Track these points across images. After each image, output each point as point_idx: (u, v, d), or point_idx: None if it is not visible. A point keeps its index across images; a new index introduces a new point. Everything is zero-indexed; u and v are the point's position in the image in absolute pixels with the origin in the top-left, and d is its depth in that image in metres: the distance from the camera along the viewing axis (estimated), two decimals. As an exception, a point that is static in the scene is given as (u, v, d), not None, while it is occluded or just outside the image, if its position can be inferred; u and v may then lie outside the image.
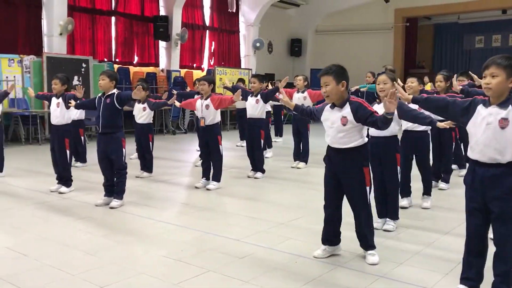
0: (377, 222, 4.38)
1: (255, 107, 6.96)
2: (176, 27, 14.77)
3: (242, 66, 17.51)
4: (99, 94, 5.41)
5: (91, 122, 10.59)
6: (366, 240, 3.70)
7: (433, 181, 5.83)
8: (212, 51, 16.80)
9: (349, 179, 3.60)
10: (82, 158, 7.99)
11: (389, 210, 4.50)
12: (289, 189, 6.58)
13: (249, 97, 7.03)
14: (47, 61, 11.11)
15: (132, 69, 14.27)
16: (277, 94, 6.96)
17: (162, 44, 15.01)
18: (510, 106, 2.75)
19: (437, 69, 16.80)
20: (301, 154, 8.08)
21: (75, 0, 12.58)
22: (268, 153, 9.10)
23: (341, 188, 3.65)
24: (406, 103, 3.95)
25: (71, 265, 3.59)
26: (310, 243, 4.03)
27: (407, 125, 5.14)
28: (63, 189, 5.99)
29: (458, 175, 6.82)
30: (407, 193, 5.29)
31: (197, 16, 16.14)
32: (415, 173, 5.32)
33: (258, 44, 17.44)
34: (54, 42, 11.74)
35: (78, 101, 5.83)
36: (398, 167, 4.50)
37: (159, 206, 5.47)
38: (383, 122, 3.35)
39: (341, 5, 18.97)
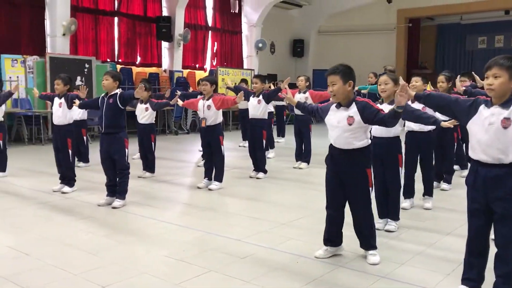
0: (378, 222, 4.39)
1: (257, 108, 6.98)
2: (179, 27, 14.79)
3: (245, 66, 17.52)
4: (102, 94, 5.43)
5: (93, 122, 10.63)
6: (367, 240, 3.70)
7: (435, 182, 5.83)
8: (214, 51, 16.81)
9: (352, 180, 3.60)
10: (84, 158, 8.02)
11: (391, 211, 4.50)
12: (290, 189, 6.58)
13: (251, 98, 7.05)
14: (50, 62, 11.14)
15: (135, 69, 14.30)
16: (280, 93, 6.97)
17: (164, 44, 15.04)
18: None
19: (440, 69, 16.73)
20: (303, 154, 8.09)
21: (78, 1, 12.62)
22: (270, 154, 9.11)
23: (343, 188, 3.65)
24: (410, 101, 3.95)
25: (73, 264, 3.60)
26: (312, 243, 4.04)
27: (412, 126, 5.14)
28: (66, 189, 6.01)
29: (460, 176, 6.80)
30: (410, 194, 5.28)
31: (200, 17, 16.16)
32: (417, 174, 5.31)
33: (260, 45, 17.44)
34: (57, 43, 11.78)
35: (81, 101, 5.85)
36: (400, 168, 4.50)
37: (161, 206, 5.48)
38: (393, 116, 3.35)
39: (343, 6, 18.96)
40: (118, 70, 13.12)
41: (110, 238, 4.28)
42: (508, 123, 2.73)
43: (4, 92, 7.18)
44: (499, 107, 2.78)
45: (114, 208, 5.25)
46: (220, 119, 6.30)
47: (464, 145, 7.10)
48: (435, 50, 20.49)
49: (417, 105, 4.63)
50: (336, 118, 3.61)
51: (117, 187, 5.37)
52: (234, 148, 10.45)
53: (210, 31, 16.57)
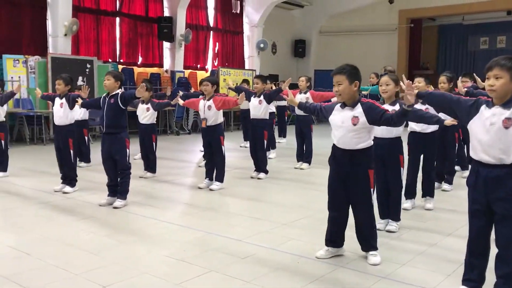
0: (379, 223, 4.39)
1: (258, 108, 6.98)
2: (180, 28, 14.80)
3: (246, 67, 17.52)
4: (104, 94, 5.44)
5: (95, 122, 10.65)
6: (368, 241, 3.70)
7: (436, 182, 5.82)
8: (216, 52, 16.82)
9: (354, 181, 3.59)
10: (86, 158, 8.03)
11: (392, 211, 4.50)
12: (292, 189, 6.58)
13: (252, 98, 7.05)
14: (51, 62, 11.16)
15: (136, 69, 14.32)
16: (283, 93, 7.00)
17: (166, 44, 15.05)
18: None
19: (442, 70, 16.75)
20: (304, 155, 8.09)
21: (80, 1, 12.64)
22: (271, 154, 9.12)
23: (345, 189, 3.64)
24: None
25: (74, 264, 3.60)
26: (313, 243, 4.04)
27: (414, 127, 5.14)
28: (67, 189, 6.01)
29: (460, 177, 6.80)
30: (412, 195, 5.29)
31: (201, 17, 16.18)
32: (418, 174, 5.32)
33: (262, 45, 17.45)
34: (59, 43, 11.80)
35: (83, 100, 5.86)
36: (402, 169, 4.50)
37: (162, 206, 5.48)
38: (401, 115, 3.36)
39: (345, 6, 18.96)
40: (120, 70, 13.14)
41: (111, 238, 4.28)
42: (509, 123, 2.73)
43: (6, 92, 7.21)
44: (500, 107, 2.78)
45: (115, 208, 5.25)
46: (220, 119, 6.30)
47: (465, 146, 7.09)
48: (436, 51, 20.46)
49: (420, 106, 4.64)
50: (340, 118, 3.60)
51: (118, 187, 5.38)
52: (235, 149, 10.45)
53: (211, 31, 16.59)
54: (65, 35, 11.80)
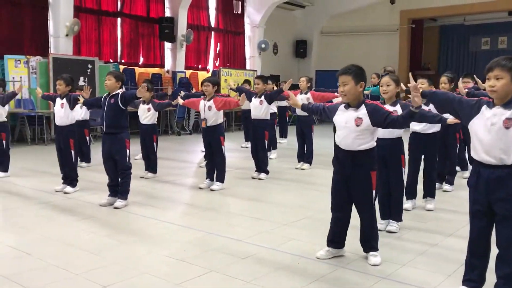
0: (380, 223, 4.38)
1: (259, 108, 6.98)
2: (182, 28, 14.81)
3: (247, 67, 17.52)
4: (105, 94, 5.44)
5: (96, 122, 10.65)
6: (369, 242, 3.70)
7: (437, 183, 5.82)
8: (217, 52, 16.83)
9: (357, 182, 3.59)
10: (86, 158, 8.04)
11: (393, 212, 4.50)
12: (292, 190, 6.58)
13: (253, 99, 7.05)
14: (53, 62, 11.17)
15: (138, 70, 14.34)
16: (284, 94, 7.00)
17: (167, 45, 15.06)
18: None
19: (443, 70, 16.71)
20: (305, 155, 8.09)
21: (81, 1, 12.65)
22: (272, 154, 9.12)
23: (348, 190, 3.64)
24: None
25: (74, 264, 3.61)
26: (313, 244, 4.03)
27: (416, 127, 5.14)
28: (68, 189, 6.02)
29: (461, 177, 6.79)
30: (413, 195, 5.29)
31: (203, 17, 16.19)
32: (419, 174, 5.31)
33: (263, 46, 17.45)
34: (60, 43, 11.82)
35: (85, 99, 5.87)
36: (403, 169, 4.50)
37: (163, 207, 5.48)
38: (408, 117, 3.36)
39: (346, 7, 18.95)
40: (121, 70, 13.15)
41: (112, 238, 4.28)
42: (510, 124, 2.73)
43: (8, 93, 7.22)
44: (501, 107, 2.78)
45: (116, 208, 5.25)
46: (221, 119, 6.31)
47: (466, 147, 7.09)
48: (438, 51, 20.45)
49: (423, 107, 4.64)
50: (344, 118, 3.59)
51: (119, 187, 5.38)
52: (236, 149, 10.46)
53: (212, 32, 16.59)
54: (67, 35, 11.82)
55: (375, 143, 3.63)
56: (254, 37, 17.62)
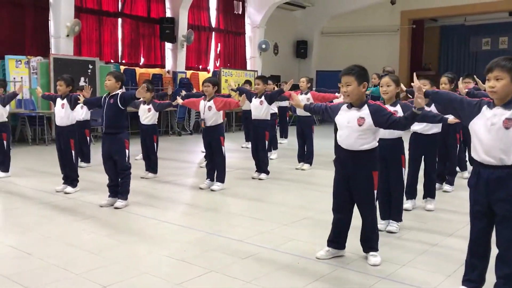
0: (380, 223, 4.38)
1: (259, 109, 6.99)
2: (182, 28, 14.82)
3: (248, 67, 17.53)
4: (105, 95, 5.45)
5: (97, 123, 10.66)
6: (370, 242, 3.70)
7: (437, 183, 5.82)
8: (218, 52, 16.84)
9: (358, 183, 3.59)
10: (86, 158, 8.05)
11: (393, 212, 4.50)
12: (293, 190, 6.58)
13: (253, 99, 7.06)
14: (54, 62, 11.18)
15: (138, 70, 14.35)
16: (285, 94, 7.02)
17: (168, 45, 15.07)
18: None
19: (444, 71, 16.69)
20: (305, 155, 8.09)
21: (82, 2, 12.67)
22: (273, 155, 9.12)
23: (350, 190, 3.64)
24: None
25: (74, 264, 3.61)
26: (313, 244, 4.04)
27: (417, 127, 5.14)
28: (69, 189, 6.03)
29: (460, 177, 6.79)
30: (412, 195, 5.30)
31: (203, 18, 16.19)
32: (419, 175, 5.32)
33: (264, 46, 17.46)
34: (61, 44, 11.83)
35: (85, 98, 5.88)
36: (403, 169, 4.50)
37: (163, 207, 5.49)
38: (411, 118, 3.36)
39: (347, 7, 18.96)
40: (122, 71, 13.16)
41: (112, 238, 4.29)
42: (510, 124, 2.73)
43: (8, 93, 7.23)
44: (501, 107, 2.78)
45: (116, 208, 5.26)
46: (220, 120, 6.31)
47: (466, 148, 7.10)
48: (438, 52, 20.45)
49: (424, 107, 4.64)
50: (346, 118, 3.60)
51: (119, 187, 5.39)
52: (236, 149, 10.47)
53: (213, 32, 16.60)
54: (67, 36, 11.83)
55: (377, 143, 3.63)
56: (255, 37, 17.63)
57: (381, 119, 3.47)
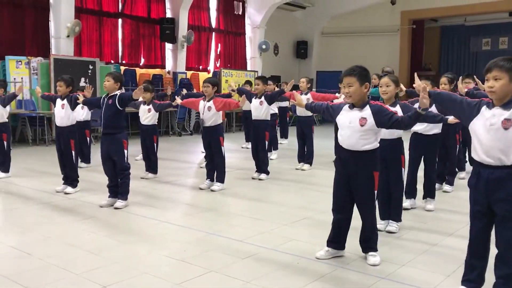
0: (380, 223, 4.39)
1: (259, 109, 7.00)
2: (182, 29, 14.83)
3: (248, 68, 17.54)
4: (104, 95, 5.46)
5: (97, 123, 10.66)
6: (369, 242, 3.71)
7: (437, 183, 5.82)
8: (218, 53, 16.84)
9: (359, 183, 3.59)
10: (86, 159, 8.06)
11: (393, 212, 4.51)
12: (293, 190, 6.59)
13: (253, 99, 7.07)
14: (54, 63, 11.19)
15: (139, 70, 14.36)
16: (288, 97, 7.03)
17: (168, 46, 15.08)
18: None
19: (444, 71, 16.72)
20: (305, 156, 8.09)
21: (82, 2, 12.68)
22: (273, 155, 9.13)
23: (350, 190, 3.64)
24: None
25: (74, 264, 3.62)
26: (313, 244, 4.04)
27: (418, 127, 5.14)
28: (69, 189, 6.03)
29: (457, 178, 6.77)
30: (412, 194, 5.31)
31: (203, 18, 16.20)
32: (419, 175, 5.32)
33: (264, 46, 17.47)
34: (61, 44, 11.84)
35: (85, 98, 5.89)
36: (403, 169, 4.51)
37: (163, 207, 5.49)
38: (415, 118, 3.36)
39: (347, 7, 18.96)
40: (122, 71, 13.20)
41: (112, 238, 4.29)
42: (508, 124, 2.73)
43: (8, 94, 7.24)
44: (500, 108, 2.79)
45: (116, 208, 5.26)
46: (219, 120, 6.32)
47: (466, 148, 7.10)
48: (439, 52, 20.45)
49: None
50: (348, 118, 3.59)
51: (118, 188, 5.39)
52: (237, 149, 10.47)
53: (213, 33, 16.61)
54: (68, 36, 11.84)
55: (378, 144, 3.64)
56: (255, 38, 17.64)
57: (383, 119, 3.48)
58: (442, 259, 3.78)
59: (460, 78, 6.15)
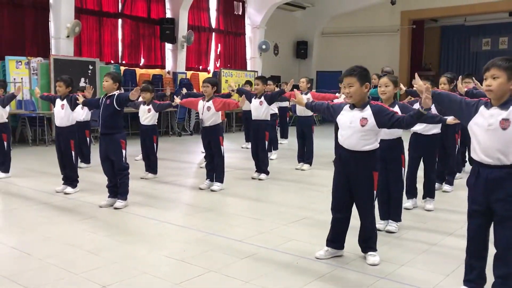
0: (379, 223, 4.39)
1: (259, 109, 7.00)
2: (182, 29, 14.83)
3: (248, 68, 17.54)
4: (102, 95, 5.47)
5: (97, 123, 10.65)
6: (368, 242, 3.71)
7: (436, 183, 5.83)
8: (218, 53, 16.85)
9: (359, 183, 3.59)
10: (86, 159, 8.06)
11: (392, 212, 4.51)
12: (292, 190, 6.59)
13: (253, 99, 7.07)
14: (54, 63, 11.19)
15: (139, 71, 14.36)
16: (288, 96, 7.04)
17: (168, 46, 15.09)
18: (511, 107, 2.75)
19: (444, 71, 16.67)
20: (305, 156, 8.10)
21: (82, 3, 12.68)
22: (273, 155, 9.13)
23: (349, 190, 3.65)
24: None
25: (74, 264, 3.62)
26: (313, 244, 4.04)
27: (417, 128, 5.14)
28: (69, 189, 6.03)
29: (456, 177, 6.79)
30: (413, 194, 5.32)
31: (203, 18, 16.20)
32: (419, 175, 5.33)
33: (264, 46, 17.47)
34: (61, 44, 11.84)
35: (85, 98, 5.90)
36: (403, 169, 4.51)
37: (163, 207, 5.49)
38: (416, 117, 3.36)
39: (347, 8, 18.96)
40: (122, 71, 13.20)
41: (112, 238, 4.30)
42: (506, 124, 2.74)
43: (8, 94, 7.25)
44: (498, 108, 2.79)
45: (116, 208, 5.27)
46: (219, 120, 6.32)
47: (466, 148, 7.10)
48: (439, 52, 20.46)
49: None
50: (349, 118, 3.60)
51: (118, 188, 5.39)
52: (236, 150, 10.47)
53: (213, 33, 16.61)
54: (68, 36, 11.85)
55: (378, 145, 3.64)
56: (255, 38, 17.64)
57: (384, 119, 3.48)
58: (442, 259, 3.79)
59: (460, 78, 6.15)
